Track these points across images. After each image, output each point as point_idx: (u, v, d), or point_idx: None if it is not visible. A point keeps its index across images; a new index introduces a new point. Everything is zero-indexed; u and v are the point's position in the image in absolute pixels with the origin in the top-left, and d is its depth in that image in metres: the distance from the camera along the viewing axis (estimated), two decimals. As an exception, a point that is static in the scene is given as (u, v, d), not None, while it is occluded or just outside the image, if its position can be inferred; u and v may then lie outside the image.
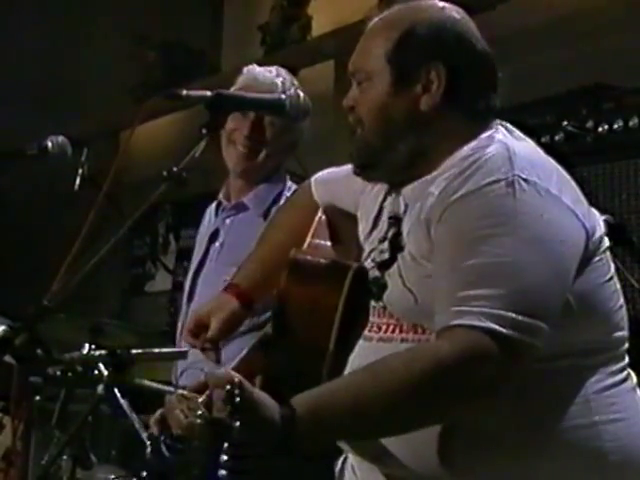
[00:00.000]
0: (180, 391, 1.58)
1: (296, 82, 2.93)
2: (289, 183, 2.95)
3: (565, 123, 3.20)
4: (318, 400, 1.61)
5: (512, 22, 4.29)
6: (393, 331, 1.81)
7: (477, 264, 1.64)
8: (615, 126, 3.11)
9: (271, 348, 1.88)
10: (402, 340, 1.79)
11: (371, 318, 1.87)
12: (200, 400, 1.53)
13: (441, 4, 1.87)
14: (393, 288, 1.81)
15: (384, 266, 1.84)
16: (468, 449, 1.71)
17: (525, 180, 1.68)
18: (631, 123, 3.08)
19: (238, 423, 1.49)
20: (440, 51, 1.81)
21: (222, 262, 2.91)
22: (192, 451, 1.55)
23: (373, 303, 1.86)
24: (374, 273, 1.86)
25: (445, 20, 1.84)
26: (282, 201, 2.86)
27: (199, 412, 1.51)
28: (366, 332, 1.86)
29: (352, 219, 2.04)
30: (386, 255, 1.84)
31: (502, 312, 1.60)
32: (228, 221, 2.98)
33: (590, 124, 3.17)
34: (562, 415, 1.72)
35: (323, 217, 2.14)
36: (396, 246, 1.82)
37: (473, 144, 1.78)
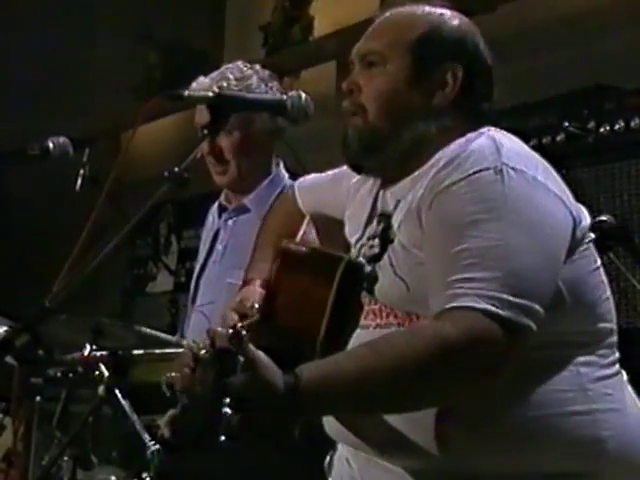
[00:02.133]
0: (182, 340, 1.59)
1: (262, 73, 2.90)
2: (289, 182, 2.94)
3: (566, 124, 3.20)
4: (322, 370, 1.62)
5: (513, 23, 4.30)
6: (388, 317, 1.83)
7: (470, 248, 1.66)
8: (616, 127, 3.11)
9: (259, 334, 1.89)
10: (399, 325, 1.81)
11: (366, 307, 1.89)
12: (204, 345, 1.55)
13: (452, 12, 1.93)
14: (384, 279, 1.83)
15: (374, 259, 1.86)
16: (469, 435, 1.72)
17: (512, 168, 1.71)
18: (632, 124, 3.08)
19: (243, 358, 1.50)
20: (461, 54, 1.87)
21: (225, 264, 2.92)
22: (198, 393, 1.55)
23: (365, 295, 1.88)
24: (366, 268, 1.88)
25: (467, 29, 1.91)
26: None
27: (204, 350, 1.52)
28: (363, 321, 1.88)
29: (337, 224, 2.07)
30: (376, 250, 1.86)
31: (497, 294, 1.62)
32: (230, 222, 2.98)
33: (591, 125, 3.18)
34: (559, 401, 1.73)
35: (311, 222, 2.15)
36: (386, 239, 1.84)
37: (462, 140, 1.82)
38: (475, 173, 1.71)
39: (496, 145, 1.76)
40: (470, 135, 1.81)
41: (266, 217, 2.34)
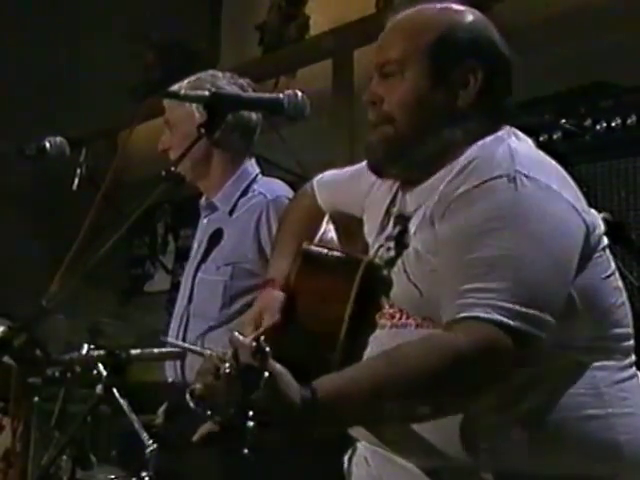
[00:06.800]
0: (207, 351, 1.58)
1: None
2: (257, 177, 2.97)
3: (563, 121, 3.20)
4: (338, 384, 1.62)
5: (510, 21, 4.29)
6: (408, 317, 1.83)
7: (482, 257, 1.66)
8: (613, 124, 3.11)
9: (280, 335, 1.89)
10: (417, 326, 1.81)
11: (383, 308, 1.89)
12: (227, 357, 1.53)
13: (464, 8, 1.91)
14: (398, 284, 1.83)
15: (389, 264, 1.86)
16: (491, 436, 1.73)
17: (526, 176, 1.71)
18: (629, 121, 3.08)
19: (267, 374, 1.50)
20: (477, 52, 1.85)
21: (198, 260, 2.98)
22: (219, 406, 1.54)
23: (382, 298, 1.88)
24: (382, 272, 1.88)
25: (480, 26, 1.89)
26: (249, 194, 2.92)
27: (227, 364, 1.51)
28: (379, 320, 1.88)
29: (357, 222, 2.05)
30: (392, 252, 1.86)
31: (508, 304, 1.63)
32: (205, 221, 3.03)
33: (588, 122, 3.17)
34: (575, 405, 1.74)
35: (330, 220, 2.15)
36: (401, 243, 1.84)
37: (479, 143, 1.81)
38: (488, 181, 1.71)
39: (510, 152, 1.75)
40: (486, 139, 1.81)
41: (284, 213, 2.34)
